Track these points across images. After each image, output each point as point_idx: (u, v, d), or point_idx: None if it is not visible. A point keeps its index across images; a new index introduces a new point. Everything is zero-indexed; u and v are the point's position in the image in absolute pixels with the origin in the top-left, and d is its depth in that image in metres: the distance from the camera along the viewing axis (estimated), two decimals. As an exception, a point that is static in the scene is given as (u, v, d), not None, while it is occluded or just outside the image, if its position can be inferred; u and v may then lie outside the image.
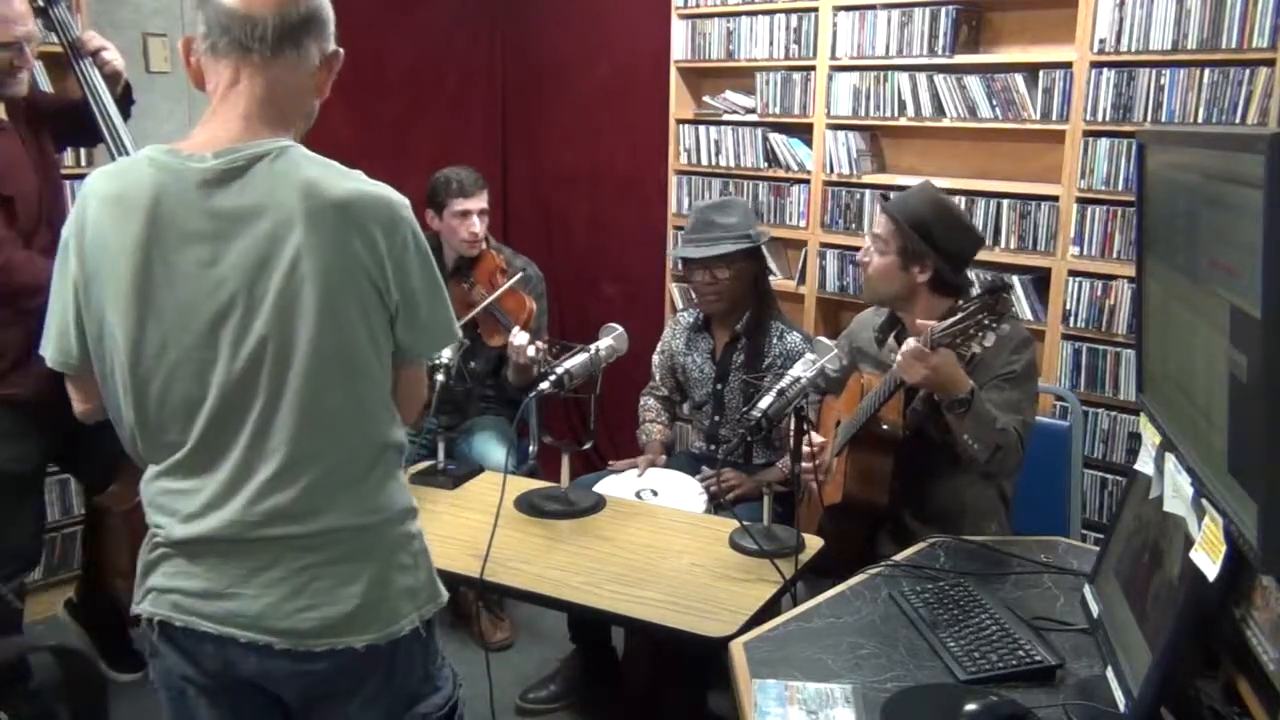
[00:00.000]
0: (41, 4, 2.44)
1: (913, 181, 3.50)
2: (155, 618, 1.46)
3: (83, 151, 3.18)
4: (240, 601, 1.41)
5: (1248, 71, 2.81)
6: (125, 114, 2.61)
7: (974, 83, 3.31)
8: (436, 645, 1.58)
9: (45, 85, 2.99)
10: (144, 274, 1.36)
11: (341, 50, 1.44)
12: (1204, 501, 1.24)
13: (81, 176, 2.91)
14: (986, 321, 2.01)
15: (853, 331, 2.68)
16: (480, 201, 3.17)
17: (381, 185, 1.40)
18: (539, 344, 2.89)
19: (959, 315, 2.03)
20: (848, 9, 3.54)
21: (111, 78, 2.56)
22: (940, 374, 2.07)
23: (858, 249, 3.57)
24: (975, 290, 2.23)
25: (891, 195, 2.52)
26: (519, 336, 2.93)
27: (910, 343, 2.08)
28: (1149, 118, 2.98)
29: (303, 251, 1.32)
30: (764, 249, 3.01)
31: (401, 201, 1.40)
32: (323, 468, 1.39)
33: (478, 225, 3.16)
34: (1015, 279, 3.24)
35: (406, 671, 1.51)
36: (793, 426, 2.18)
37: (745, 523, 2.23)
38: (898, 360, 2.11)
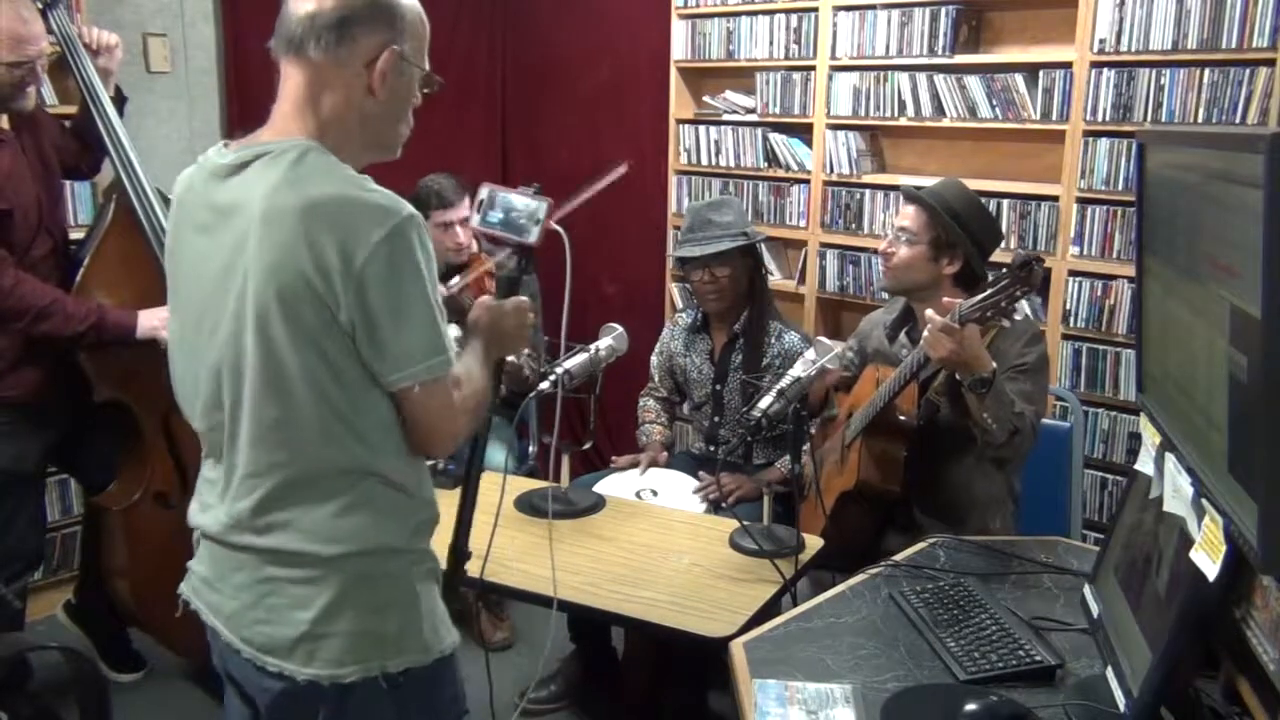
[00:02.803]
0: (40, 7, 2.45)
1: (913, 181, 3.52)
2: (182, 595, 1.51)
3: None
4: (222, 597, 1.44)
5: (1248, 71, 2.81)
6: (119, 111, 2.63)
7: (974, 83, 3.30)
8: (431, 702, 1.48)
9: (46, 86, 2.99)
10: (172, 265, 1.44)
11: (395, 48, 1.38)
12: (1204, 501, 1.24)
13: (81, 178, 2.93)
14: (1018, 294, 2.02)
15: (863, 332, 2.69)
16: (462, 210, 3.18)
17: (374, 194, 1.31)
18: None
19: (990, 290, 2.04)
20: (848, 9, 3.54)
21: (108, 68, 2.58)
22: (966, 350, 2.07)
23: (858, 249, 3.63)
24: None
25: (901, 189, 2.54)
26: None
27: (933, 317, 2.08)
28: (1149, 118, 2.98)
29: (252, 256, 1.29)
30: (761, 248, 3.02)
31: (388, 211, 1.29)
32: (275, 483, 1.36)
33: (461, 234, 3.18)
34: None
35: None
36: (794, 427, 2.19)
37: (745, 522, 2.24)
38: (924, 336, 2.10)
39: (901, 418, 2.36)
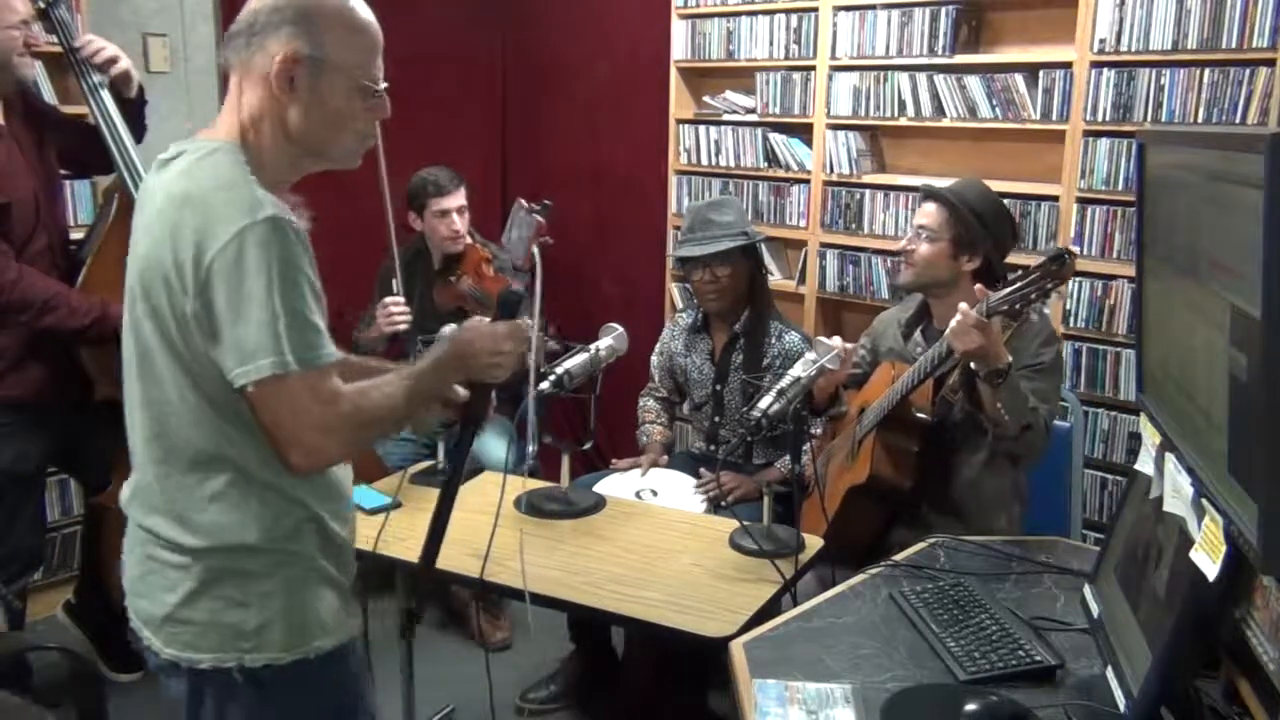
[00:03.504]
0: (42, 5, 2.45)
1: (913, 181, 3.52)
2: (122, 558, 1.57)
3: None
4: (128, 564, 1.51)
5: (1248, 71, 2.81)
6: (140, 112, 2.63)
7: (974, 83, 3.30)
8: (302, 704, 1.47)
9: (46, 85, 3.00)
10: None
11: (299, 52, 1.39)
12: (1204, 501, 1.24)
13: (82, 177, 2.93)
14: (1049, 287, 2.04)
15: (876, 330, 2.71)
16: (458, 199, 3.24)
17: (243, 193, 1.33)
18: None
19: (1020, 283, 2.06)
20: (848, 9, 3.54)
21: (123, 80, 2.58)
22: (992, 343, 2.09)
23: (858, 249, 3.63)
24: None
25: (921, 188, 2.53)
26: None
27: (966, 310, 2.09)
28: (1149, 118, 2.98)
29: (137, 243, 1.41)
30: (761, 248, 3.03)
31: (249, 210, 1.31)
32: (153, 458, 1.43)
33: (457, 222, 3.23)
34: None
35: (218, 713, 1.45)
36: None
37: (745, 522, 2.24)
38: (951, 326, 2.12)
39: (919, 414, 2.38)
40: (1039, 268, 2.05)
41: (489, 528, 2.13)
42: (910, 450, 2.37)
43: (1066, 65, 3.11)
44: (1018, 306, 2.07)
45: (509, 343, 1.56)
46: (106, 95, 2.55)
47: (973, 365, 2.16)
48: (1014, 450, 2.27)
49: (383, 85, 1.47)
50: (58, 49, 2.55)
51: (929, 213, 2.42)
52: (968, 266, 2.40)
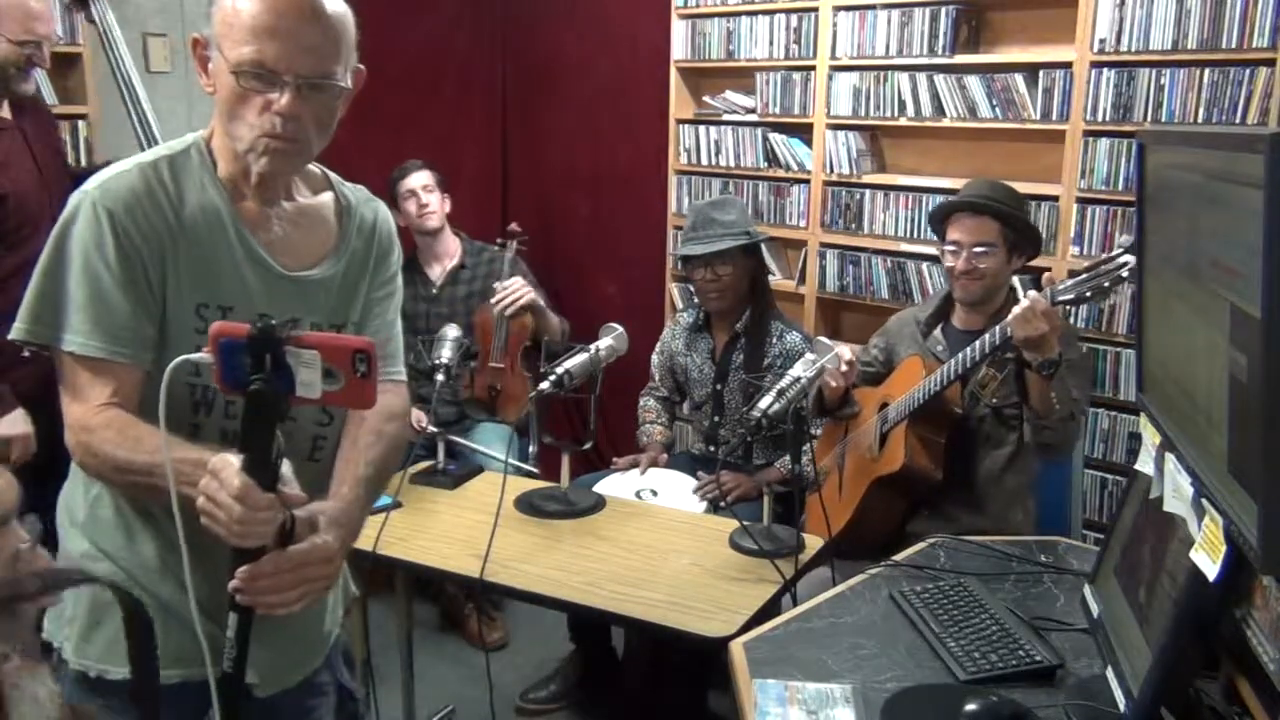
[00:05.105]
0: None
1: (913, 181, 3.52)
2: None
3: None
4: None
5: (1248, 71, 2.81)
6: None
7: (974, 83, 3.30)
8: None
9: (46, 85, 2.99)
10: None
11: (204, 33, 1.34)
12: (1204, 501, 1.24)
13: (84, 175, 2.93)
14: (1123, 276, 2.06)
15: (891, 330, 2.72)
16: (421, 179, 3.34)
17: (95, 182, 1.34)
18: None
19: (1088, 274, 2.09)
20: (848, 9, 3.54)
21: None
22: (1053, 331, 2.12)
23: (858, 249, 3.63)
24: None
25: (959, 204, 2.49)
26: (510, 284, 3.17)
27: (1037, 297, 2.11)
28: (1149, 118, 2.98)
29: None
30: (762, 248, 3.03)
31: (82, 194, 1.34)
32: None
33: (423, 196, 3.33)
34: (1015, 279, 3.25)
35: None
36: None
37: (745, 522, 2.24)
38: (1015, 314, 2.13)
39: (955, 408, 2.41)
40: (1110, 257, 2.07)
41: (488, 528, 2.13)
42: (939, 441, 2.41)
43: (1066, 65, 3.11)
44: (1087, 294, 2.10)
45: (225, 500, 1.15)
46: (142, 92, 2.54)
47: (1026, 355, 2.18)
48: (1053, 440, 2.30)
49: (260, 70, 1.27)
50: (63, 50, 2.55)
51: (980, 228, 2.40)
52: (1018, 264, 2.46)
